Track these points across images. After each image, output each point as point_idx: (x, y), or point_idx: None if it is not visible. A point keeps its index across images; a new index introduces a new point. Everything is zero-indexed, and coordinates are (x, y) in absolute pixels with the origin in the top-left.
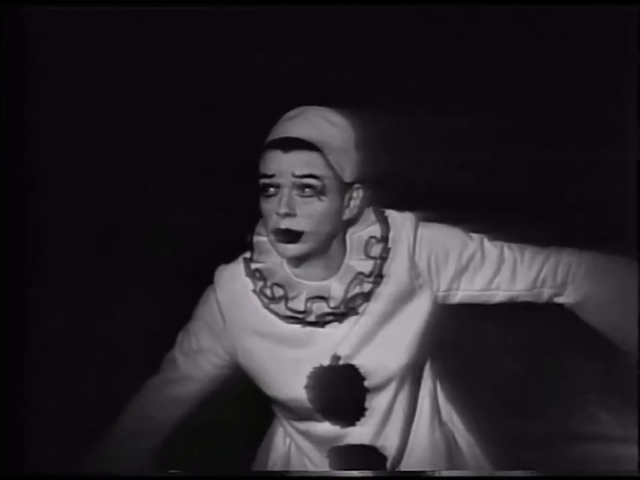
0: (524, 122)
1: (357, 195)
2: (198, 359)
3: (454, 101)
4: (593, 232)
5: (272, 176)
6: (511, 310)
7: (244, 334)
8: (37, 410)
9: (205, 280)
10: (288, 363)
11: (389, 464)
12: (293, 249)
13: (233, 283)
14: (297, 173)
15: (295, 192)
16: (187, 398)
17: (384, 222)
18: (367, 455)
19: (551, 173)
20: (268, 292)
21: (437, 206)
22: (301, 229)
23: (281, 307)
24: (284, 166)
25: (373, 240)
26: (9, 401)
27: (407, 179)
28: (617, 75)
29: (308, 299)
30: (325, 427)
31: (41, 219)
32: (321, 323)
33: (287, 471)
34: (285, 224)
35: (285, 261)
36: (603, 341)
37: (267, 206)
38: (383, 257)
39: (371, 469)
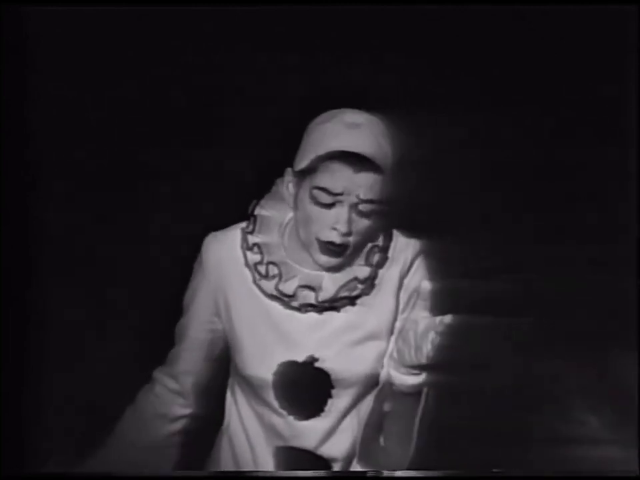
0: (523, 122)
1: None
2: (197, 328)
3: (453, 101)
4: (593, 232)
5: (337, 194)
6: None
7: (230, 299)
8: (37, 410)
9: None
10: (263, 340)
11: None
12: (333, 261)
13: (223, 251)
14: (362, 197)
15: (354, 210)
16: (186, 392)
17: (388, 234)
18: (311, 461)
19: (551, 173)
20: (262, 269)
21: (438, 206)
22: (350, 244)
23: (269, 286)
24: (352, 186)
25: (376, 248)
26: (9, 401)
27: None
28: (617, 75)
29: (299, 286)
30: (280, 419)
31: (41, 219)
32: (302, 310)
33: (287, 471)
34: (341, 240)
35: (284, 242)
36: (595, 343)
37: (320, 212)
38: (379, 265)
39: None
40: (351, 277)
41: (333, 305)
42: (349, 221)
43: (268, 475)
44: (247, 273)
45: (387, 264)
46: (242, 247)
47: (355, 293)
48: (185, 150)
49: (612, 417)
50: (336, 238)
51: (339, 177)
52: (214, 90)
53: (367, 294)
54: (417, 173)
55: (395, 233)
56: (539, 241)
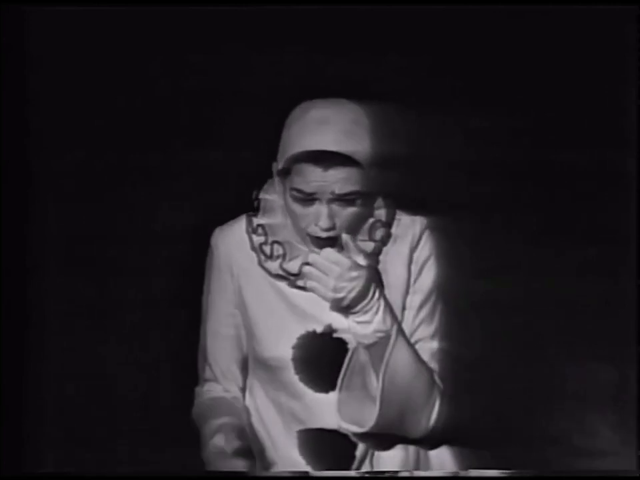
0: (522, 122)
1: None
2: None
3: (452, 101)
4: (593, 232)
5: (310, 194)
6: (507, 311)
7: (242, 284)
8: (37, 410)
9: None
10: (278, 319)
11: (357, 452)
12: (329, 249)
13: (231, 240)
14: (338, 192)
15: (333, 205)
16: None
17: (391, 210)
18: (336, 442)
19: (550, 173)
20: (267, 249)
21: (438, 205)
22: (339, 233)
23: (274, 266)
24: (324, 184)
25: (378, 224)
26: (9, 401)
27: (407, 177)
28: (617, 75)
29: (303, 263)
30: (298, 402)
31: (40, 219)
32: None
33: (286, 471)
34: (326, 234)
35: (288, 223)
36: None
37: (301, 210)
38: (383, 241)
39: (339, 456)
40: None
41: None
42: (330, 216)
43: (269, 475)
44: (253, 256)
45: (394, 240)
46: (247, 232)
47: None
48: (185, 149)
49: (611, 417)
50: (321, 233)
51: (310, 178)
52: (215, 90)
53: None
54: (416, 169)
55: (398, 212)
56: (539, 242)
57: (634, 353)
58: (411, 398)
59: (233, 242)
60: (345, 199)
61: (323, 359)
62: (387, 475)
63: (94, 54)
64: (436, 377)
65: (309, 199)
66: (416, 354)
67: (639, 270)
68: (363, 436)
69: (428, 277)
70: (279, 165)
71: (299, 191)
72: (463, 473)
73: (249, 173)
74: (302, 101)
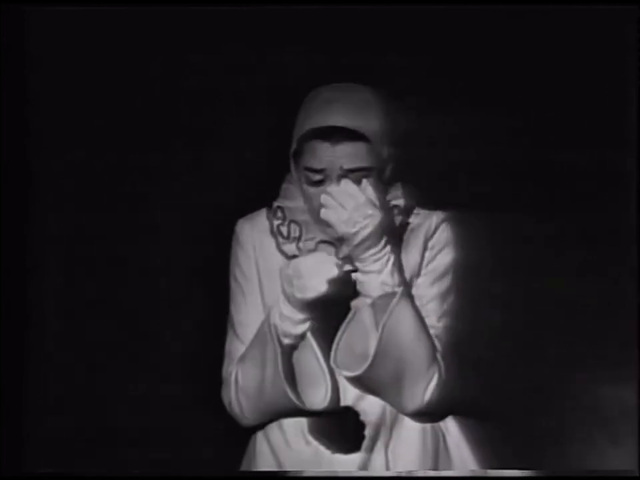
0: (523, 122)
1: (390, 164)
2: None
3: (452, 101)
4: (593, 232)
5: (321, 170)
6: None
7: (261, 269)
8: (37, 410)
9: (204, 279)
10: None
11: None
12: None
13: (254, 228)
14: (346, 167)
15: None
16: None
17: (409, 196)
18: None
19: (550, 173)
20: (284, 230)
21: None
22: None
23: (292, 247)
24: (333, 159)
25: (396, 210)
26: (9, 401)
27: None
28: (617, 74)
29: (319, 242)
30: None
31: (40, 219)
32: None
33: (287, 471)
34: None
35: (307, 207)
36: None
37: (314, 191)
38: (403, 225)
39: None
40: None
41: (354, 263)
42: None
43: (271, 475)
44: (272, 241)
45: (411, 229)
46: (268, 218)
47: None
48: (185, 149)
49: (611, 417)
50: None
51: (319, 153)
52: (215, 90)
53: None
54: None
55: (417, 208)
56: (539, 242)
57: (634, 353)
58: (407, 360)
59: (255, 230)
60: (354, 177)
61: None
62: (386, 475)
63: (94, 54)
64: (438, 355)
65: (320, 178)
66: (421, 318)
67: (639, 270)
68: (355, 382)
69: (442, 261)
70: (291, 148)
71: (309, 169)
72: (463, 473)
73: (248, 172)
74: (302, 101)
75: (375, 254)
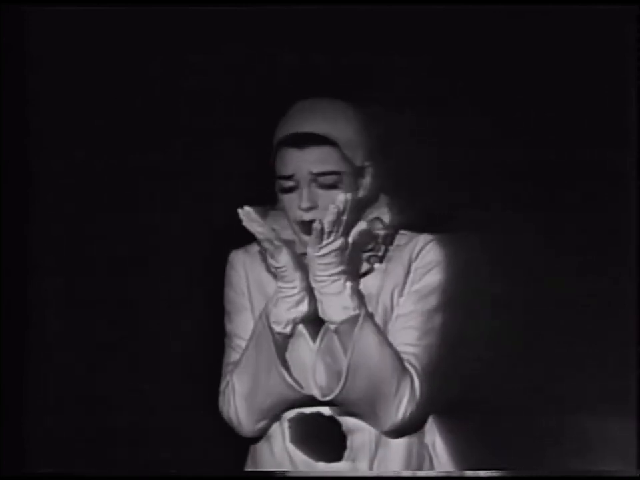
0: (523, 122)
1: (369, 174)
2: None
3: (452, 101)
4: (593, 232)
5: (290, 176)
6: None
7: (256, 292)
8: (37, 410)
9: (204, 279)
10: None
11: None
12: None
13: (247, 256)
14: (314, 171)
15: (313, 185)
16: None
17: (397, 211)
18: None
19: (550, 173)
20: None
21: (437, 205)
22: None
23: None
24: (301, 164)
25: (377, 220)
26: (9, 401)
27: (404, 176)
28: (617, 74)
29: (302, 255)
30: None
31: (40, 219)
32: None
33: (286, 471)
34: (309, 216)
35: (293, 226)
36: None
37: (287, 198)
38: (385, 241)
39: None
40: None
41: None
42: (309, 196)
43: (269, 475)
44: (263, 262)
45: (397, 247)
46: (258, 244)
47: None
48: (185, 149)
49: (611, 417)
50: (304, 216)
51: (288, 160)
52: (215, 90)
53: (376, 261)
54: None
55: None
56: (539, 242)
57: (634, 353)
58: (377, 381)
59: (247, 258)
60: (324, 181)
61: None
62: (386, 475)
63: (94, 54)
64: (412, 372)
65: (290, 184)
66: (385, 340)
67: (639, 270)
68: (332, 404)
69: (426, 283)
70: (270, 159)
71: (281, 177)
72: (462, 473)
73: (248, 172)
74: (302, 100)
75: (333, 275)
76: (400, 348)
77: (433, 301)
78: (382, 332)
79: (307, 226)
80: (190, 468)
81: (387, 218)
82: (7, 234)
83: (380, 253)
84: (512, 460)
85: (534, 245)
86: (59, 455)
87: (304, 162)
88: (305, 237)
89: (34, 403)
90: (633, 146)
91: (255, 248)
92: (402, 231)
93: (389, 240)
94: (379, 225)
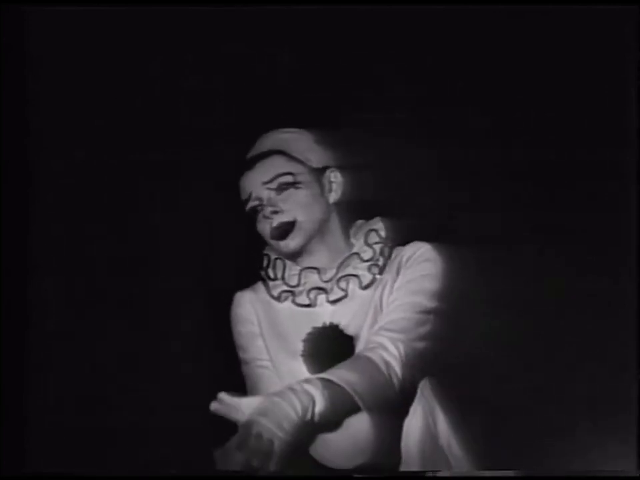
0: (523, 122)
1: (335, 177)
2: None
3: (452, 101)
4: (593, 232)
5: (249, 196)
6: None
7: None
8: (37, 410)
9: (204, 279)
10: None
11: None
12: (292, 241)
13: (252, 293)
14: (266, 179)
15: (273, 194)
16: None
17: (389, 227)
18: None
19: (550, 173)
20: (270, 272)
21: (436, 205)
22: (291, 218)
23: (278, 284)
24: (253, 181)
25: (374, 232)
26: (9, 401)
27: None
28: (617, 75)
29: (302, 269)
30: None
31: (40, 219)
32: (312, 301)
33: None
34: (275, 220)
35: (273, 245)
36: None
37: (258, 222)
38: (383, 253)
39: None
40: (350, 252)
41: (339, 284)
42: (270, 203)
43: (269, 475)
44: (266, 290)
45: (394, 255)
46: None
47: (358, 272)
48: (185, 149)
49: (611, 417)
50: (272, 223)
51: (244, 185)
52: (215, 91)
53: (374, 273)
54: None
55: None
56: (539, 242)
57: (634, 353)
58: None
59: (253, 295)
60: (281, 183)
61: (331, 352)
62: (387, 475)
63: (94, 54)
64: (396, 369)
65: (253, 205)
66: (343, 399)
67: (639, 270)
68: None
69: (415, 275)
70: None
71: (245, 203)
72: (462, 473)
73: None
74: (301, 101)
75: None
76: (387, 334)
77: (423, 292)
78: (338, 395)
79: (277, 230)
80: (190, 468)
81: (383, 233)
82: (6, 234)
83: (380, 263)
84: (512, 460)
85: (533, 245)
86: (59, 454)
87: (255, 178)
88: (277, 243)
89: (34, 402)
90: (633, 146)
91: (260, 287)
92: (398, 247)
93: (387, 251)
94: (377, 239)
